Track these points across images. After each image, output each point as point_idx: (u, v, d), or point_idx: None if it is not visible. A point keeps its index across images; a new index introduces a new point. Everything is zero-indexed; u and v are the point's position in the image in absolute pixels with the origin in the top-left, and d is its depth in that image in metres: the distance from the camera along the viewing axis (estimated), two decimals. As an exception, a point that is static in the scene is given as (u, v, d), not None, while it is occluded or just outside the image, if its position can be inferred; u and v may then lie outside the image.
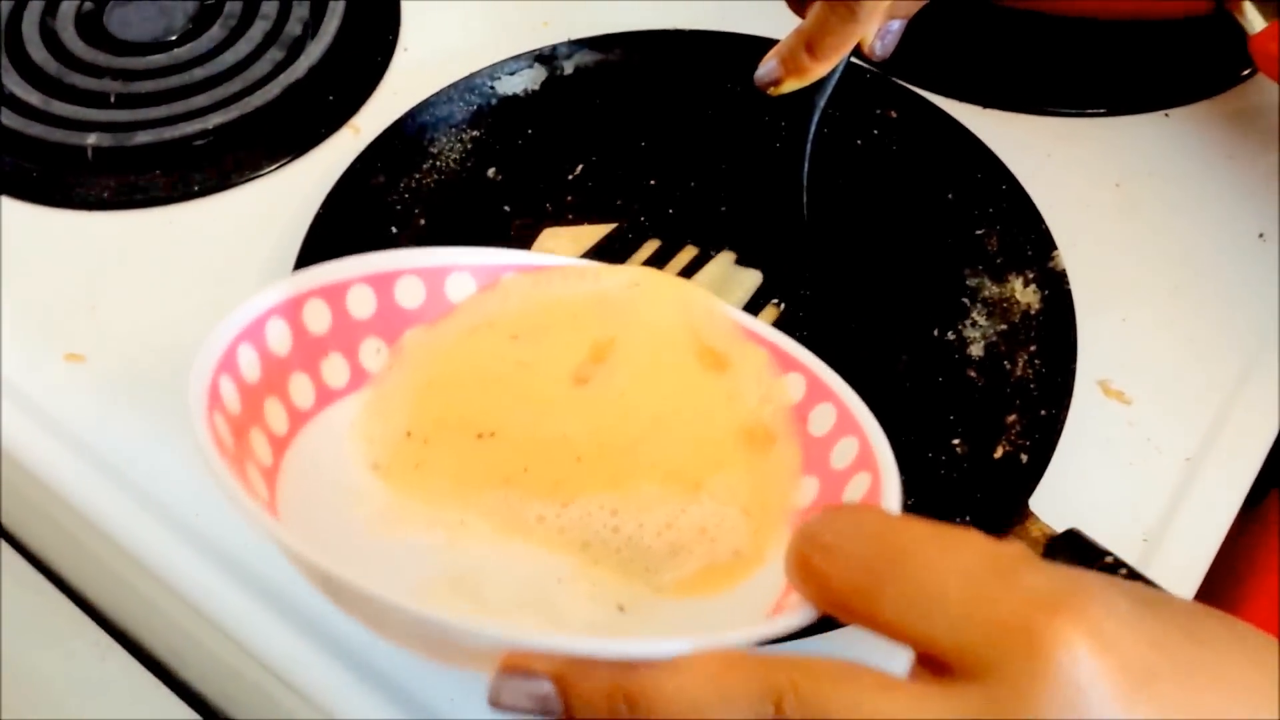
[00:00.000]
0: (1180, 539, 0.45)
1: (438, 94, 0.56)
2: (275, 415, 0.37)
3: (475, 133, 0.56)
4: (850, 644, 0.30)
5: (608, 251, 0.51)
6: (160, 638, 0.48)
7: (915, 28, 0.50)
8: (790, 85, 0.48)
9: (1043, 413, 0.46)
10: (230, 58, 0.60)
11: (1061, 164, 0.57)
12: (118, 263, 0.52)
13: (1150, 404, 0.49)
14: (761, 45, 0.48)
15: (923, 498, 0.44)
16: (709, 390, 0.40)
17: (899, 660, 0.27)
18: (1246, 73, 0.60)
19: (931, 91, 0.57)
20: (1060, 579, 0.26)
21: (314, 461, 0.37)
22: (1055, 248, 0.51)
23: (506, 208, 0.54)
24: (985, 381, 0.48)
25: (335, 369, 0.39)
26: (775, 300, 0.48)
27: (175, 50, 0.60)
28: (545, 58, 0.58)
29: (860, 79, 0.56)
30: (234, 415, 0.34)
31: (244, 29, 0.61)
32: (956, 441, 0.46)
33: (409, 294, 0.40)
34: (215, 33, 0.61)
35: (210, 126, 0.56)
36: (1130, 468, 0.47)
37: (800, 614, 0.29)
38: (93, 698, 0.46)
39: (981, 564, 0.26)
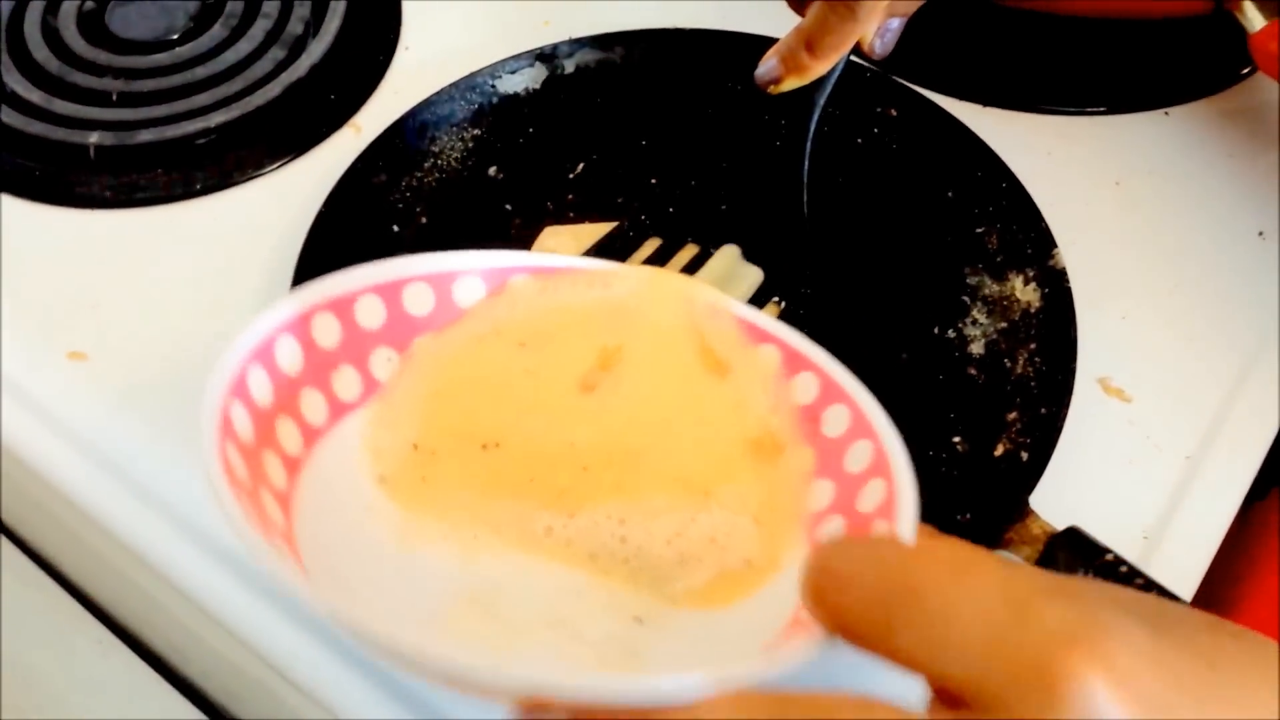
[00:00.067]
0: (1180, 537, 0.45)
1: (439, 93, 0.56)
2: (288, 435, 0.36)
3: (476, 131, 0.56)
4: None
5: (609, 250, 0.51)
6: (162, 634, 0.48)
7: (915, 26, 0.50)
8: (790, 84, 0.48)
9: (1043, 410, 0.46)
10: (232, 56, 0.60)
11: (1062, 162, 0.57)
12: (120, 261, 0.52)
13: (1150, 402, 0.49)
14: (762, 44, 0.49)
15: (923, 495, 0.44)
16: (717, 397, 0.39)
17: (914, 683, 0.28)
18: (1246, 71, 0.60)
19: (931, 90, 0.57)
20: (1075, 610, 0.26)
21: (328, 479, 0.36)
22: (1055, 246, 0.51)
23: (508, 206, 0.54)
24: (985, 379, 0.48)
25: (347, 381, 0.38)
26: (776, 298, 0.48)
27: (177, 49, 0.60)
28: (546, 56, 0.58)
29: (860, 77, 0.56)
30: (246, 443, 0.34)
31: (245, 28, 0.61)
32: (957, 439, 0.46)
33: (418, 301, 0.39)
34: (217, 31, 0.61)
35: (212, 125, 0.56)
36: (1130, 465, 0.47)
37: (818, 641, 0.29)
38: (94, 695, 0.46)
39: (997, 597, 0.26)
